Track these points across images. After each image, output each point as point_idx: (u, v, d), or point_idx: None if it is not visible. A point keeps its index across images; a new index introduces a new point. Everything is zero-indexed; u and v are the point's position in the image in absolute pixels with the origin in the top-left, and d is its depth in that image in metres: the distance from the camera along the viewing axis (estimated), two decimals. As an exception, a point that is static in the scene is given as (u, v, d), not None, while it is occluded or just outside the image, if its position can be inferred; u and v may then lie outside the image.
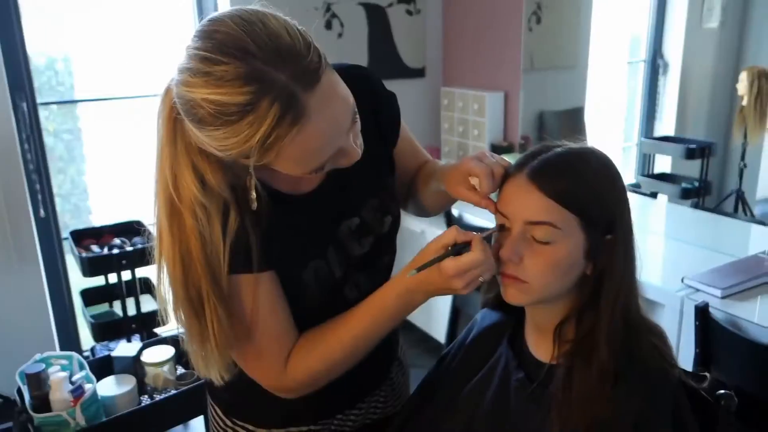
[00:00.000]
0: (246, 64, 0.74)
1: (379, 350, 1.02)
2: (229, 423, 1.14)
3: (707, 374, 0.93)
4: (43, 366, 1.62)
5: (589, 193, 0.87)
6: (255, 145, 0.76)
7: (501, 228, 0.92)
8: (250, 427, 1.12)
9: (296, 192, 0.98)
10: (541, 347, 0.98)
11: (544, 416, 0.91)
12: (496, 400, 0.99)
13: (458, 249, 0.88)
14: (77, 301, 2.79)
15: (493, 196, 0.94)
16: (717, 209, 2.77)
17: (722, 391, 0.91)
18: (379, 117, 1.06)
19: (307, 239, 0.99)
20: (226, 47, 0.74)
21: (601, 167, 0.90)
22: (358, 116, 0.86)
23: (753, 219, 2.69)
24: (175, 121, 0.83)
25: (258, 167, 0.84)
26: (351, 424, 1.17)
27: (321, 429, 1.13)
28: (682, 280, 1.90)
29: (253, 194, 0.90)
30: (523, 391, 0.95)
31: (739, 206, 2.80)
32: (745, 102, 2.67)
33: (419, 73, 3.36)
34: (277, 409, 1.07)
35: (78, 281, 2.79)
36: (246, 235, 0.90)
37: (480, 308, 1.15)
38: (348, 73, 0.88)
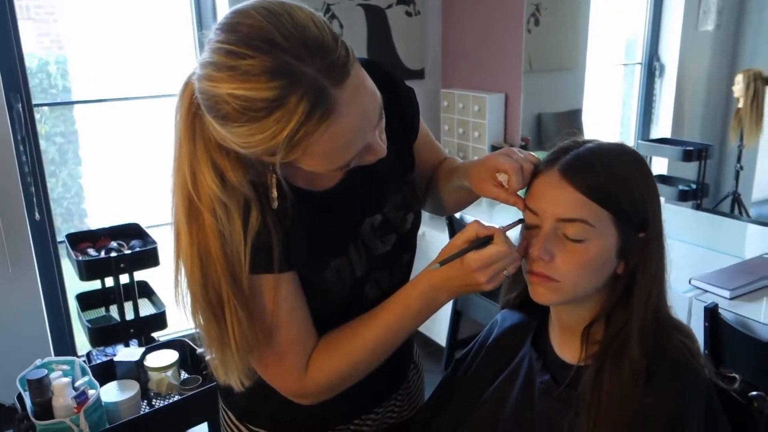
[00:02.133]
0: (273, 58, 0.71)
1: (396, 354, 1.00)
2: (243, 429, 1.12)
3: (737, 375, 0.92)
4: (45, 372, 1.59)
5: (623, 189, 0.86)
6: (282, 142, 0.74)
7: (529, 225, 0.90)
8: (265, 433, 1.10)
9: (315, 189, 0.96)
10: (567, 348, 0.96)
11: (572, 419, 0.89)
12: (520, 403, 0.97)
13: (481, 243, 0.87)
14: (72, 306, 2.74)
15: (520, 193, 0.92)
16: (715, 210, 2.77)
17: (754, 393, 0.90)
18: (401, 112, 1.04)
19: (330, 237, 0.97)
20: (252, 40, 0.72)
21: (633, 162, 0.89)
22: (383, 111, 0.84)
23: (755, 220, 2.70)
24: (194, 116, 0.81)
25: (281, 164, 0.81)
26: (368, 429, 1.14)
27: (337, 435, 1.11)
28: (690, 282, 1.90)
29: (275, 192, 0.87)
30: (549, 393, 0.94)
31: (735, 208, 2.81)
32: (741, 104, 2.68)
33: (419, 74, 3.35)
34: (294, 415, 1.05)
35: (72, 286, 2.74)
36: (267, 233, 0.88)
37: (500, 309, 1.13)
38: (367, 67, 0.86)
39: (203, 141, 0.82)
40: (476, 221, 0.89)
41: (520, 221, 0.92)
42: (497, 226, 0.89)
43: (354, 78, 0.76)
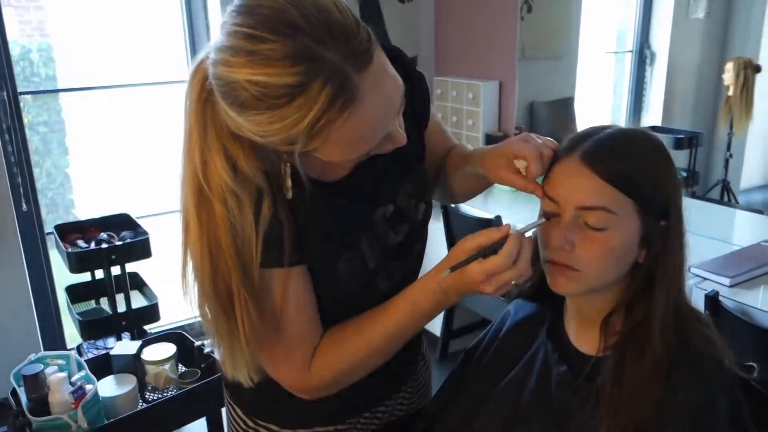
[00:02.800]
0: (295, 42, 0.68)
1: (406, 346, 0.98)
2: (250, 423, 1.10)
3: (755, 365, 0.91)
4: (41, 367, 1.55)
5: (645, 175, 0.84)
6: (302, 130, 0.71)
7: (548, 213, 0.88)
8: (274, 428, 1.08)
9: (326, 178, 0.93)
10: (584, 339, 0.94)
11: (591, 411, 0.88)
12: (536, 395, 0.95)
13: (492, 249, 0.83)
14: (61, 298, 2.70)
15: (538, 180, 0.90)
16: (706, 198, 2.79)
17: (775, 382, 0.89)
18: (413, 98, 1.01)
19: (342, 229, 0.94)
20: (272, 23, 0.69)
21: (655, 148, 0.87)
22: (404, 99, 0.81)
23: (744, 207, 2.71)
24: (206, 103, 0.78)
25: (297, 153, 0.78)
26: (377, 422, 1.13)
27: (347, 428, 1.09)
28: (689, 269, 1.90)
29: (289, 182, 0.85)
30: (566, 385, 0.92)
31: (725, 195, 2.83)
32: (731, 92, 2.69)
33: (412, 62, 3.32)
34: (304, 409, 1.02)
35: (60, 278, 2.69)
36: (279, 226, 0.85)
37: (512, 299, 1.11)
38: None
39: (215, 129, 0.79)
40: (489, 229, 0.86)
41: (541, 222, 0.89)
42: (516, 228, 0.85)
43: (377, 64, 0.73)
